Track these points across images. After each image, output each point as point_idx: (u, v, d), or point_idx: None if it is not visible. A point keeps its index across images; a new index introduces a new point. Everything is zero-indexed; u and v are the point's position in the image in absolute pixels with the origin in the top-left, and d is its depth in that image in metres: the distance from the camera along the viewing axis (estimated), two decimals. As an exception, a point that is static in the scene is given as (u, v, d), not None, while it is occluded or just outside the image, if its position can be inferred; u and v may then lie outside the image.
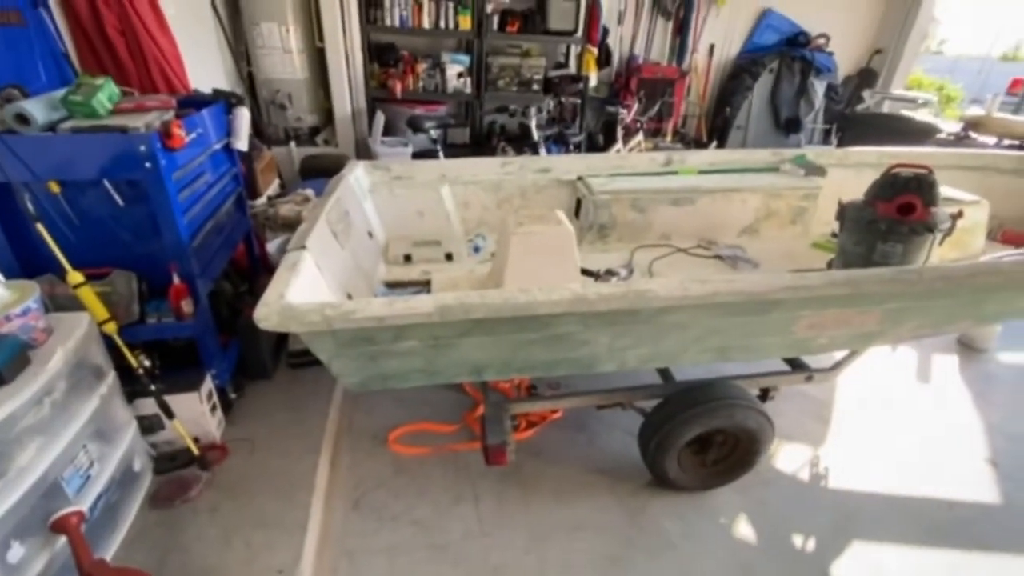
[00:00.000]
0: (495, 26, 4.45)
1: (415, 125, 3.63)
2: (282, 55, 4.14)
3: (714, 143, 5.21)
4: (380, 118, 4.13)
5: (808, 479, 2.13)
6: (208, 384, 2.09)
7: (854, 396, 2.63)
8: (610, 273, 2.17)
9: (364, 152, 4.49)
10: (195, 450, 1.96)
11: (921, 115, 4.77)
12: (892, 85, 5.72)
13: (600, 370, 1.71)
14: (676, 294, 1.38)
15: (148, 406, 1.91)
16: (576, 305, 1.34)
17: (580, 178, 2.78)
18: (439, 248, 2.50)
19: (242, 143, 2.38)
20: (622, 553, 1.81)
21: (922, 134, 4.37)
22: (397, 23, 4.27)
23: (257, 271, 2.87)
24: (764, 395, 2.06)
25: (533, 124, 3.54)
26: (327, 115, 4.61)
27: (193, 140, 1.94)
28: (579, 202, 2.75)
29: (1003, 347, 3.10)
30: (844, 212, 2.05)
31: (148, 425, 1.96)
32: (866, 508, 2.01)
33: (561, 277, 1.91)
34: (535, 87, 4.72)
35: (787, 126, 5.36)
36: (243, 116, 2.34)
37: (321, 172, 3.95)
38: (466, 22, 4.37)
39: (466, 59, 4.52)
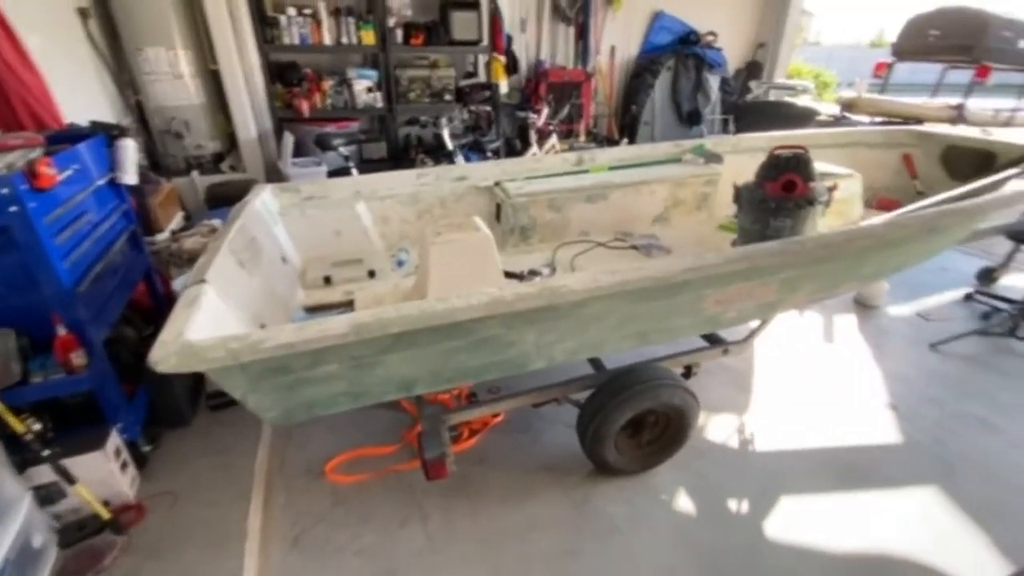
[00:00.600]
0: (399, 39, 4.42)
1: (323, 143, 3.53)
2: (173, 81, 3.89)
3: (625, 140, 5.45)
4: (288, 139, 3.98)
5: (737, 446, 2.26)
6: (115, 440, 1.91)
7: (770, 362, 2.83)
8: (533, 273, 2.21)
9: (275, 175, 4.30)
10: (105, 514, 1.79)
11: (802, 101, 5.25)
12: (775, 75, 6.25)
13: (531, 368, 1.73)
14: (588, 286, 1.43)
15: (44, 473, 1.72)
16: (494, 308, 1.36)
17: (497, 183, 2.81)
18: (361, 266, 2.44)
19: (129, 177, 2.21)
20: (574, 545, 1.84)
21: (805, 118, 4.81)
22: (296, 41, 4.15)
23: (163, 311, 2.66)
24: (688, 372, 2.17)
25: (446, 134, 3.55)
26: (231, 140, 4.38)
27: (69, 178, 1.78)
28: (499, 207, 2.78)
29: (892, 302, 3.46)
30: (740, 195, 2.21)
31: (47, 495, 1.76)
32: (789, 464, 2.16)
33: (485, 282, 1.91)
34: (447, 97, 4.73)
35: (689, 118, 5.71)
36: (127, 148, 2.18)
37: (229, 200, 3.71)
38: (369, 37, 4.32)
39: (374, 74, 4.46)
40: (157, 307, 2.66)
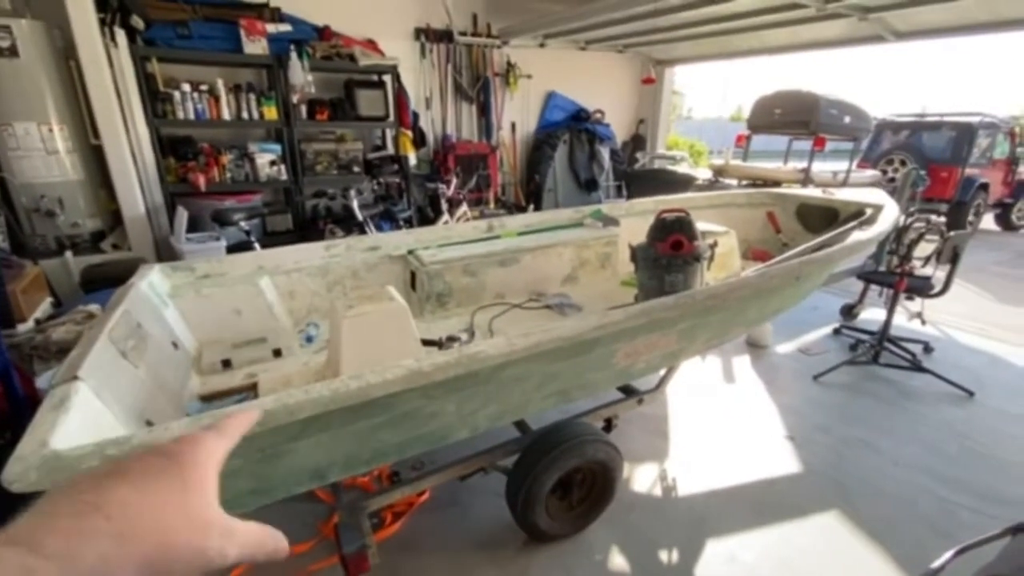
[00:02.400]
0: (304, 115, 4.45)
1: (221, 219, 3.38)
2: (45, 156, 3.58)
3: (531, 206, 5.77)
4: (182, 214, 3.75)
5: (661, 494, 2.32)
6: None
7: (681, 406, 2.99)
8: (451, 339, 2.20)
9: (167, 253, 4.00)
10: None
11: (682, 168, 5.92)
12: (657, 146, 7.04)
13: (455, 439, 1.69)
14: (505, 350, 1.45)
15: None
16: (413, 380, 1.33)
17: (411, 252, 2.83)
18: (265, 345, 2.28)
19: (-16, 264, 1.94)
20: (511, 626, 1.74)
21: (685, 183, 5.42)
22: (192, 116, 4.02)
23: (23, 416, 2.29)
24: (608, 425, 2.23)
25: (355, 205, 3.55)
26: (114, 217, 4.04)
27: (-98, 269, 1.54)
28: (413, 275, 2.79)
29: (778, 341, 3.85)
30: (635, 254, 2.41)
31: None
32: (710, 505, 2.25)
33: (401, 353, 1.87)
34: (356, 169, 4.77)
35: (587, 186, 6.21)
36: (-17, 232, 1.93)
37: (111, 282, 3.39)
38: (272, 112, 4.31)
39: (277, 147, 4.41)
40: (15, 411, 2.28)
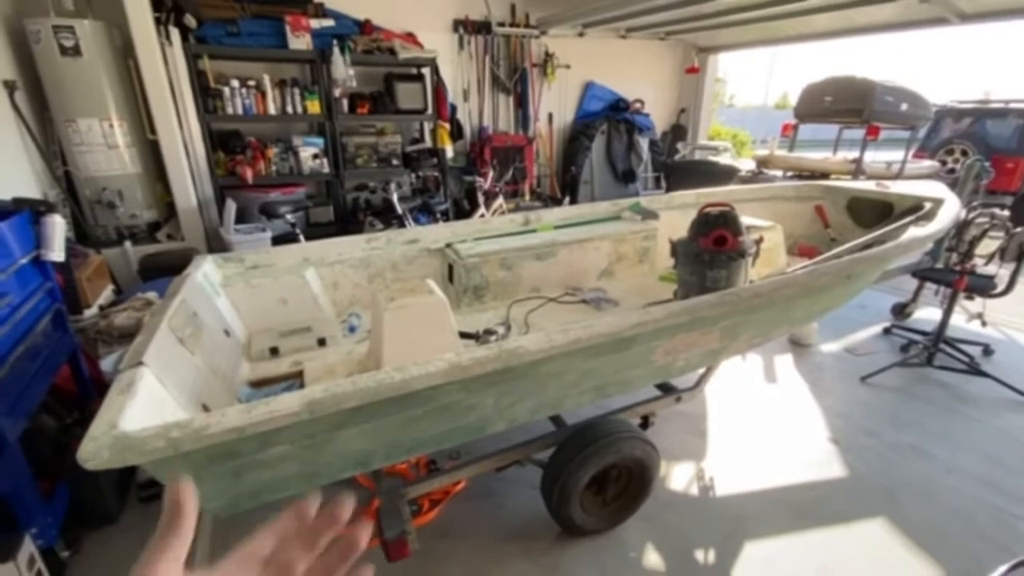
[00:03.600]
0: (345, 109, 4.54)
1: (268, 211, 3.50)
2: (107, 151, 3.78)
3: (567, 199, 5.73)
4: (231, 206, 3.91)
5: (698, 493, 2.29)
6: (28, 548, 1.69)
7: (720, 406, 2.93)
8: (488, 333, 2.22)
9: (217, 243, 4.18)
10: (11, 640, 1.55)
11: (724, 159, 5.74)
12: (698, 136, 6.85)
13: (492, 431, 1.71)
14: (544, 346, 1.46)
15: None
16: (453, 374, 1.36)
17: (448, 245, 2.86)
18: (310, 335, 2.37)
19: (56, 254, 2.09)
20: (545, 617, 1.76)
21: (726, 175, 5.25)
22: (240, 111, 4.17)
23: (89, 396, 2.46)
24: (645, 423, 2.22)
25: (395, 198, 3.61)
26: (168, 208, 4.24)
27: (-13, 259, 1.67)
28: (451, 268, 2.82)
29: (823, 340, 3.72)
30: (676, 249, 2.36)
31: (-63, 624, 1.52)
32: (748, 507, 2.21)
33: (440, 346, 1.92)
34: (395, 162, 4.85)
35: (624, 177, 6.10)
36: (55, 224, 2.07)
37: (166, 271, 3.57)
38: (315, 107, 4.41)
39: (320, 141, 4.52)
40: (82, 391, 2.45)
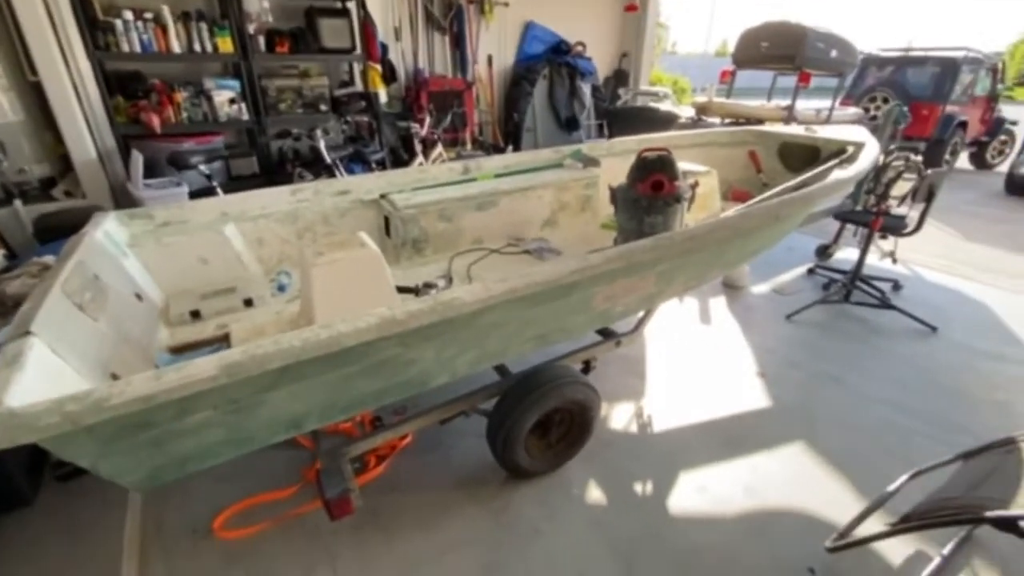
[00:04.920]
0: (263, 47, 4.12)
1: (178, 162, 3.19)
2: (-24, 95, 3.27)
3: (510, 147, 5.58)
4: (137, 158, 3.52)
5: (637, 431, 2.40)
6: (-79, 541, 1.54)
7: (658, 347, 3.05)
8: (428, 286, 2.16)
9: (125, 200, 3.78)
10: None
11: (665, 106, 5.74)
12: (640, 82, 6.79)
13: (434, 384, 1.69)
14: (481, 296, 1.42)
15: None
16: (386, 328, 1.30)
17: (384, 196, 2.72)
18: (235, 295, 2.22)
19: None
20: (495, 557, 1.82)
21: (667, 121, 5.27)
22: (138, 49, 3.68)
23: (-16, 372, 2.21)
24: (587, 367, 2.26)
25: (322, 145, 3.37)
26: (63, 162, 3.77)
27: None
28: (387, 220, 2.69)
29: (754, 282, 3.91)
30: (615, 195, 2.35)
31: None
32: (683, 440, 2.34)
33: (376, 301, 1.83)
34: (323, 107, 4.50)
35: (567, 124, 6.00)
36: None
37: (67, 231, 3.17)
38: (227, 44, 3.97)
39: (236, 84, 4.11)
40: (-27, 368, 2.20)
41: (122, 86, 3.84)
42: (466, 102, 5.33)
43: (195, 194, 3.58)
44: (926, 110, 7.82)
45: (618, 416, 2.48)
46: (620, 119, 5.73)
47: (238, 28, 3.99)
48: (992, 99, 8.71)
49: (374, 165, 3.98)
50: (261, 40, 4.10)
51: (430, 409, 1.91)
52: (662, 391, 2.68)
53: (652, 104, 5.79)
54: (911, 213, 3.43)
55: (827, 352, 3.03)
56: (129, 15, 3.60)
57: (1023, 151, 7.17)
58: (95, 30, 3.54)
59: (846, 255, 4.32)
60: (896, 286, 3.82)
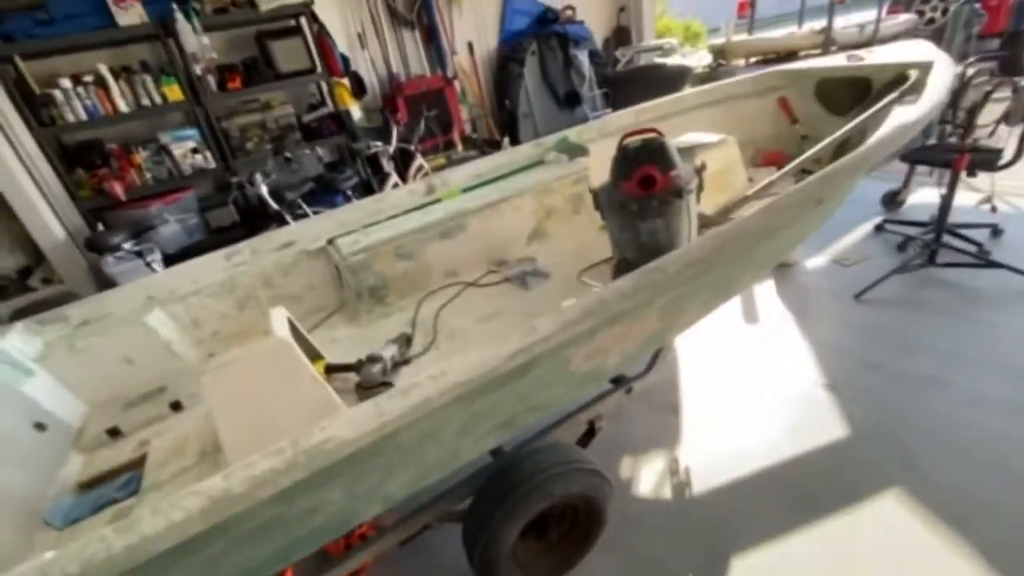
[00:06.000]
0: (214, 86, 3.79)
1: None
2: (-70, 197, 3.13)
3: (507, 139, 5.04)
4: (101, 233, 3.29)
5: (672, 496, 1.87)
6: None
7: (695, 363, 2.49)
8: (372, 360, 1.71)
9: (104, 278, 3.59)
10: None
11: (673, 60, 5.00)
12: (645, 36, 6.01)
13: (364, 520, 1.26)
14: (371, 426, 0.96)
15: None
16: (215, 515, 0.87)
17: (330, 241, 2.30)
18: (164, 397, 1.88)
19: None
20: None
21: (679, 78, 4.55)
22: (84, 116, 3.44)
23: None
24: (591, 430, 1.76)
25: (264, 191, 2.98)
26: (35, 248, 3.62)
27: None
28: (339, 270, 2.28)
29: (807, 254, 3.21)
30: (598, 199, 1.81)
31: None
32: (733, 504, 1.79)
33: (298, 400, 1.43)
34: (294, 136, 4.15)
35: (568, 100, 5.37)
36: None
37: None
38: (175, 92, 3.67)
39: (193, 132, 3.81)
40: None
41: (80, 158, 3.64)
42: (449, 99, 4.82)
43: (171, 258, 3.34)
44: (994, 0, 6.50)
45: (646, 476, 1.96)
46: (623, 84, 5.04)
47: (186, 72, 3.68)
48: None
49: (349, 193, 3.59)
50: (212, 80, 3.78)
51: (386, 532, 1.49)
52: (702, 429, 2.13)
53: (658, 60, 5.05)
54: (1007, 138, 2.64)
55: (915, 341, 2.35)
56: (67, 82, 3.36)
57: None
58: (35, 106, 3.32)
59: (921, 198, 3.51)
60: (995, 231, 3.01)
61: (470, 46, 5.22)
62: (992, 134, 2.62)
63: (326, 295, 2.33)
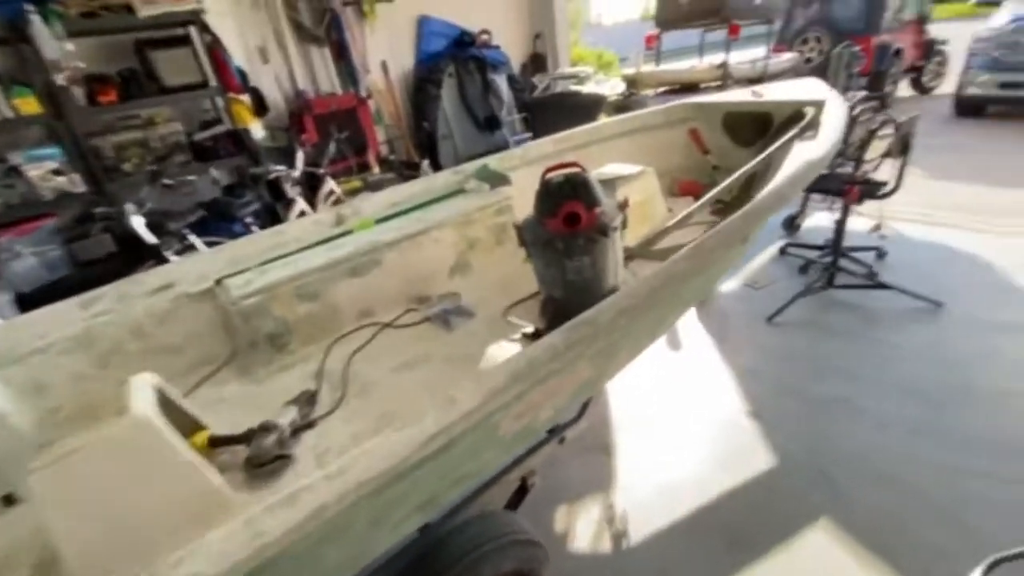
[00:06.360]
0: (82, 100, 3.29)
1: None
2: None
3: (426, 161, 4.87)
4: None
5: (611, 547, 1.76)
6: None
7: (624, 398, 2.44)
8: (265, 429, 1.45)
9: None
10: None
11: (588, 87, 5.12)
12: (560, 63, 6.15)
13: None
14: (241, 555, 0.75)
15: None
16: None
17: (219, 281, 1.99)
18: (-9, 490, 1.48)
19: None
20: None
21: (595, 106, 4.66)
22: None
23: None
24: (523, 487, 1.61)
25: (135, 224, 2.58)
26: None
27: None
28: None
29: (722, 280, 3.32)
30: (523, 236, 1.70)
31: None
32: (673, 549, 1.72)
33: (167, 491, 1.15)
34: (181, 157, 3.71)
35: (488, 124, 5.32)
36: None
37: None
38: (30, 105, 3.13)
39: (55, 151, 3.27)
40: None
41: (-102, 181, 2.98)
42: (362, 119, 4.58)
43: (30, 296, 2.80)
44: (860, 43, 7.40)
45: (582, 527, 1.85)
46: (542, 110, 5.08)
47: (45, 83, 3.16)
48: (922, 21, 8.42)
49: (249, 222, 3.23)
50: (78, 92, 3.28)
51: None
52: (635, 469, 2.06)
53: (574, 87, 5.15)
54: (889, 170, 2.89)
55: (825, 363, 2.47)
56: None
57: (965, 71, 6.82)
58: None
59: (816, 222, 3.79)
60: (880, 254, 3.30)
61: (384, 65, 5.02)
62: (877, 168, 2.85)
63: (214, 345, 2.00)
